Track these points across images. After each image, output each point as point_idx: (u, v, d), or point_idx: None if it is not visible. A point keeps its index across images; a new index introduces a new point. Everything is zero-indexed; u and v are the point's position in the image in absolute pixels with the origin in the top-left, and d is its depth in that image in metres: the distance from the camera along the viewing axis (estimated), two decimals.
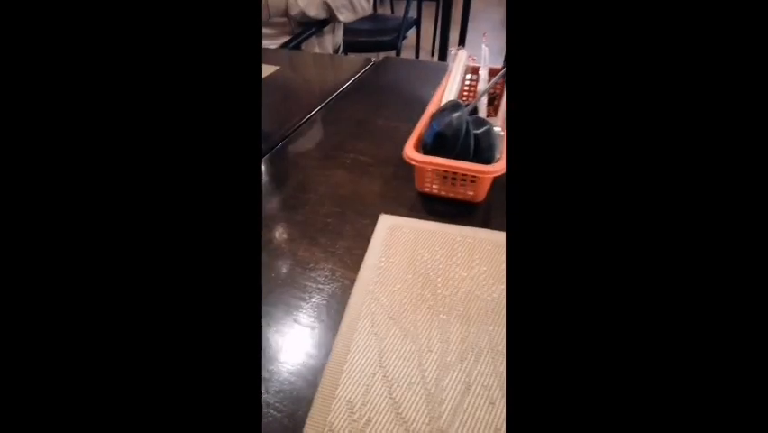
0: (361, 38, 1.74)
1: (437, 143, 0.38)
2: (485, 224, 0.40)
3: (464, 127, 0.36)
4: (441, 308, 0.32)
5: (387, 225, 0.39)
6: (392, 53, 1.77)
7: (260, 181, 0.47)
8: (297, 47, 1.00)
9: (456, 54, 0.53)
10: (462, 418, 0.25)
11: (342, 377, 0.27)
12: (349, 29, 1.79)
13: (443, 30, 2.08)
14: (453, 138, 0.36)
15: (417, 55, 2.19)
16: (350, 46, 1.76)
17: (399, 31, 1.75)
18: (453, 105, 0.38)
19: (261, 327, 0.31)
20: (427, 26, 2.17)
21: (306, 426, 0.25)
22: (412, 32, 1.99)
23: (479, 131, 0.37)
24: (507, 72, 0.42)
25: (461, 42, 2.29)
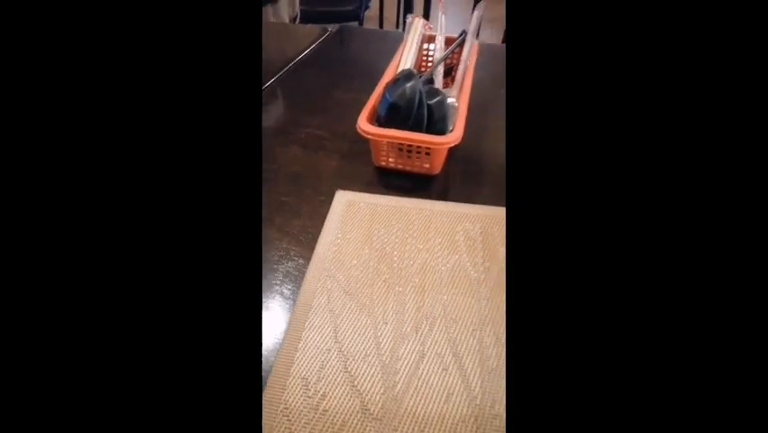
0: (321, 7, 1.65)
1: (391, 115, 0.37)
2: (442, 195, 0.40)
3: (417, 98, 0.36)
4: (397, 281, 0.32)
5: (343, 201, 0.39)
6: (354, 24, 1.70)
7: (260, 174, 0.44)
8: None
9: (412, 22, 0.51)
10: (417, 385, 0.26)
11: (297, 355, 0.27)
12: None
13: None
14: (407, 109, 0.36)
15: (381, 26, 2.12)
16: (308, 16, 1.67)
17: (361, 0, 1.68)
18: (407, 75, 0.37)
19: (262, 322, 0.30)
20: None
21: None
22: (375, 2, 1.91)
23: (432, 101, 0.37)
24: (507, 55, 0.41)
25: (426, 12, 2.24)
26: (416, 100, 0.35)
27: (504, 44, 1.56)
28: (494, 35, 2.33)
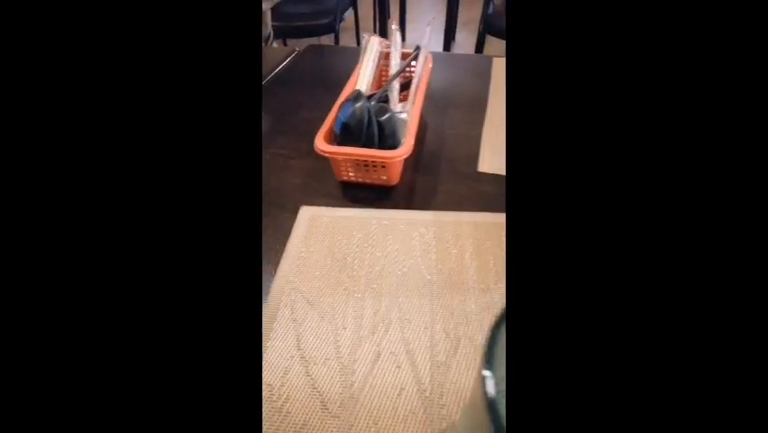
0: (297, 22, 1.69)
1: (344, 133, 0.39)
2: (403, 204, 0.43)
3: (366, 117, 0.38)
4: (356, 288, 0.34)
5: (307, 216, 0.41)
6: (330, 36, 1.74)
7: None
8: None
9: (368, 41, 0.54)
10: (372, 383, 0.28)
11: (263, 363, 0.30)
12: (283, 13, 1.73)
13: (381, 9, 2.06)
14: (357, 128, 0.38)
15: (358, 37, 2.17)
16: (284, 32, 1.71)
17: (336, 13, 1.71)
18: (356, 96, 0.40)
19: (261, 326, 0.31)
20: (367, 6, 2.15)
21: None
22: (350, 14, 1.95)
23: (382, 118, 0.39)
24: (507, 65, 0.44)
25: (402, 21, 2.29)
26: (366, 119, 0.38)
27: (474, 53, 1.59)
28: (469, 37, 2.38)
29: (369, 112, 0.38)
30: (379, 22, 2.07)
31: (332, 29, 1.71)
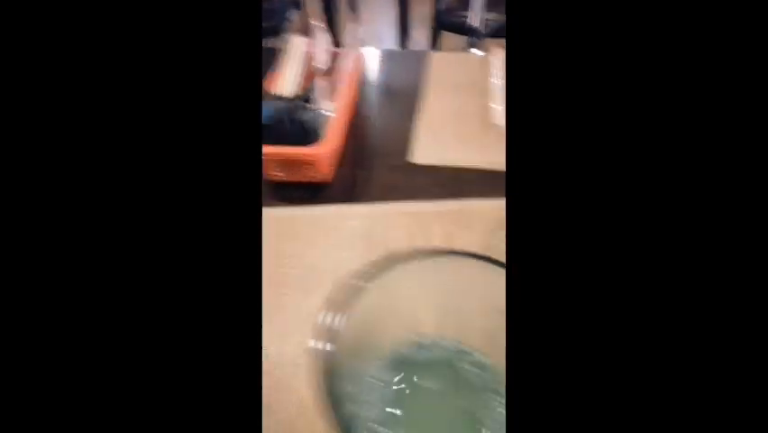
0: None
1: (266, 135, 0.39)
2: (337, 199, 0.43)
3: (287, 116, 0.39)
4: (285, 291, 0.35)
5: None
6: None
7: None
8: None
9: (290, 42, 0.54)
10: (300, 376, 0.29)
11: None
12: None
13: (328, 7, 2.05)
14: (277, 128, 0.39)
15: None
16: None
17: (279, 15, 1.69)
18: (276, 98, 0.40)
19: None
20: (318, 5, 2.11)
21: None
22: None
23: (304, 117, 0.40)
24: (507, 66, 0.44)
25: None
26: (287, 119, 0.38)
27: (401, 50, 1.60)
28: (427, 33, 2.41)
29: (288, 112, 0.39)
30: (329, 21, 2.05)
31: (277, 31, 1.69)
